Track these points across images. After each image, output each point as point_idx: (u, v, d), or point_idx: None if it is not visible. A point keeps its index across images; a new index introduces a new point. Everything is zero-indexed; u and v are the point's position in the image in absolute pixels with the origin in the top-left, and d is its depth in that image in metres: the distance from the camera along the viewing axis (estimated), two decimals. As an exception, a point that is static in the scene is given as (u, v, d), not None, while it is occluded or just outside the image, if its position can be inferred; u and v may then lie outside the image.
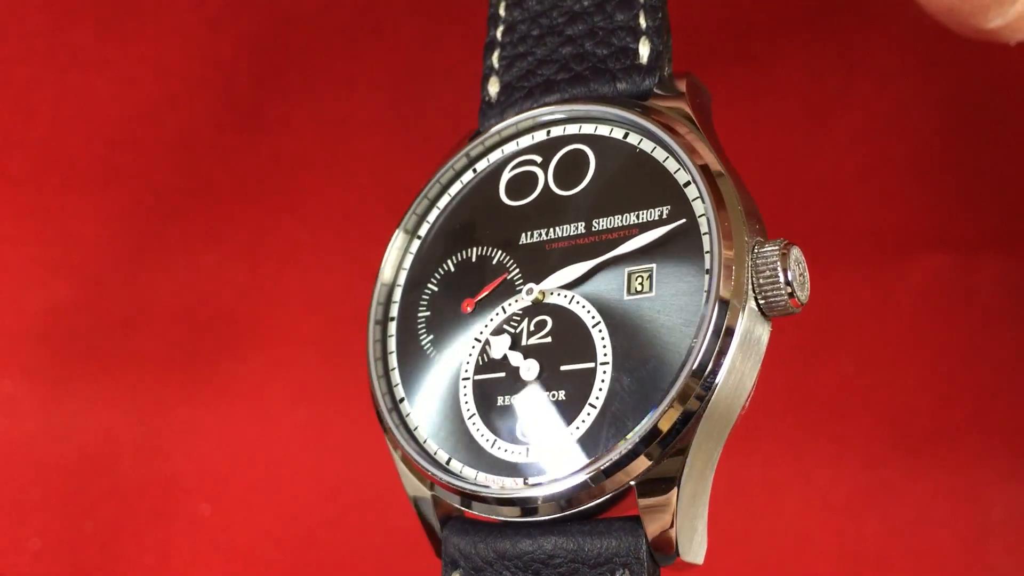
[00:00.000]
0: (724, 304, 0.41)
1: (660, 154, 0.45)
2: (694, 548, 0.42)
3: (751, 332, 0.42)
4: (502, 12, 0.52)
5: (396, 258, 0.51)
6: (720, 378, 0.41)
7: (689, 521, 0.41)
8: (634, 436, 0.41)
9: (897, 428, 0.77)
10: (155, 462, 0.74)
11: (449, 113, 0.77)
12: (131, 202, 0.74)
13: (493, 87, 0.51)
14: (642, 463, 0.41)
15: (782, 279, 0.42)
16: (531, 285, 0.46)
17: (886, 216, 0.78)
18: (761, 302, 0.42)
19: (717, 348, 0.41)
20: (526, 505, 0.43)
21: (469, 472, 0.45)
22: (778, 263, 0.42)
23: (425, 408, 0.47)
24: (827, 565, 0.75)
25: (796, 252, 0.42)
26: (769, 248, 0.42)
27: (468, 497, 0.44)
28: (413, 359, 0.48)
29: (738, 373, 0.41)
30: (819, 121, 0.78)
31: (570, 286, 0.45)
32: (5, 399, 0.72)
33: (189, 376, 0.74)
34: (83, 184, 0.73)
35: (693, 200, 0.43)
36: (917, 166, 0.78)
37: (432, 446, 0.46)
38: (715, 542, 0.77)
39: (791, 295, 0.42)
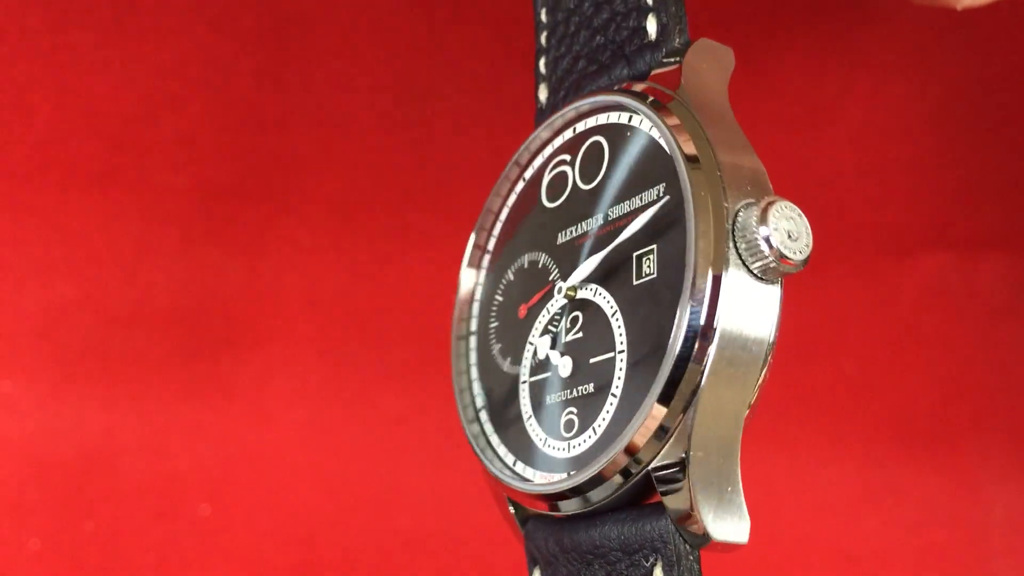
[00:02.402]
0: (703, 275, 0.40)
1: (656, 132, 0.45)
2: (727, 527, 0.41)
3: (746, 298, 0.41)
4: (544, 18, 0.53)
5: (471, 274, 0.52)
6: (712, 350, 0.40)
7: (714, 499, 0.41)
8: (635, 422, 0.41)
9: (897, 428, 0.77)
10: (155, 462, 0.74)
11: (449, 113, 0.77)
12: (131, 202, 0.74)
13: (543, 93, 0.52)
14: (651, 447, 0.41)
15: (763, 243, 0.40)
16: (560, 283, 0.46)
17: (886, 215, 0.78)
18: (752, 267, 0.41)
19: (703, 322, 0.40)
20: (564, 499, 0.44)
21: (530, 472, 0.46)
22: (756, 226, 0.40)
23: (498, 415, 0.49)
24: (827, 565, 0.75)
25: (779, 210, 0.40)
26: (748, 212, 0.41)
27: (532, 498, 0.45)
28: (489, 370, 0.50)
29: (738, 341, 0.40)
30: (819, 121, 0.78)
31: (592, 279, 0.45)
32: (5, 399, 0.72)
33: (189, 376, 0.74)
34: (83, 184, 0.73)
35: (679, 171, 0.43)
36: (917, 165, 0.78)
37: (502, 451, 0.48)
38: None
39: (781, 257, 0.40)
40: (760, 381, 0.41)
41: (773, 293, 0.41)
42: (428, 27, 0.76)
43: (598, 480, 0.42)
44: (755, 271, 0.41)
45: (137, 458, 0.73)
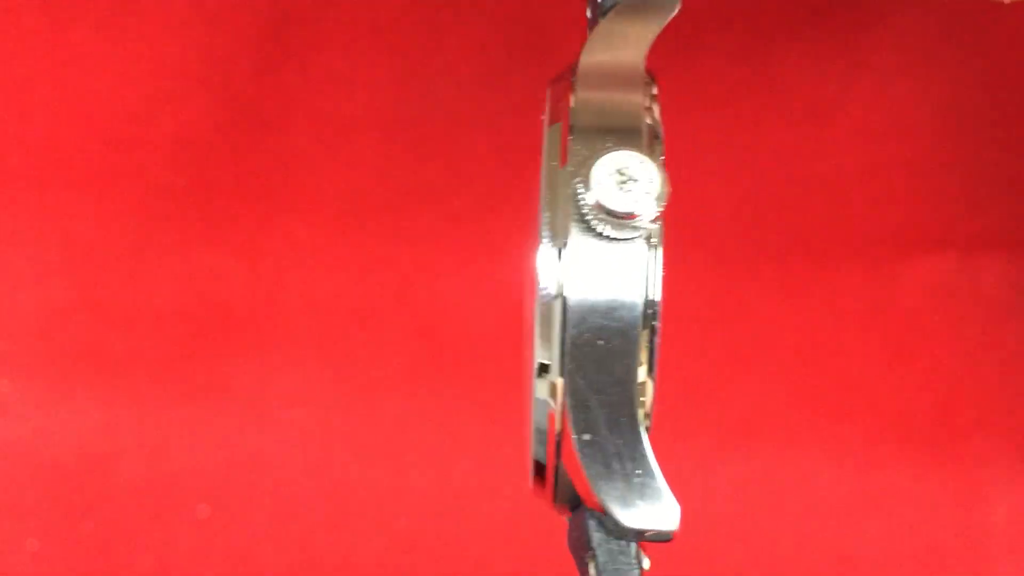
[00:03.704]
0: (547, 247, 0.37)
1: None
2: (642, 513, 0.37)
3: (599, 262, 0.36)
4: None
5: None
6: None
7: (617, 484, 0.37)
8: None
9: (897, 428, 0.77)
10: (155, 462, 0.74)
11: (449, 113, 0.77)
12: (130, 201, 0.74)
13: None
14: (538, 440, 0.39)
15: (591, 201, 0.36)
16: None
17: (887, 215, 0.78)
18: (599, 229, 0.36)
19: (555, 291, 0.37)
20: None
21: None
22: (582, 186, 0.36)
23: None
24: (827, 565, 0.75)
25: (605, 164, 0.36)
26: (578, 171, 0.37)
27: None
28: None
29: (599, 311, 0.37)
30: (820, 120, 0.78)
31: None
32: (3, 399, 0.72)
33: (189, 376, 0.74)
34: (82, 184, 0.73)
35: None
36: (919, 165, 0.78)
37: None
38: (715, 542, 0.77)
39: (625, 214, 0.36)
40: (651, 350, 0.37)
41: (638, 253, 0.36)
42: (428, 27, 0.76)
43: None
44: (606, 233, 0.36)
45: (136, 458, 0.73)
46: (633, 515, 0.37)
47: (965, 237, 0.78)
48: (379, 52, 0.75)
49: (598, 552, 0.38)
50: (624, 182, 0.36)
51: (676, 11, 0.43)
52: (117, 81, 0.73)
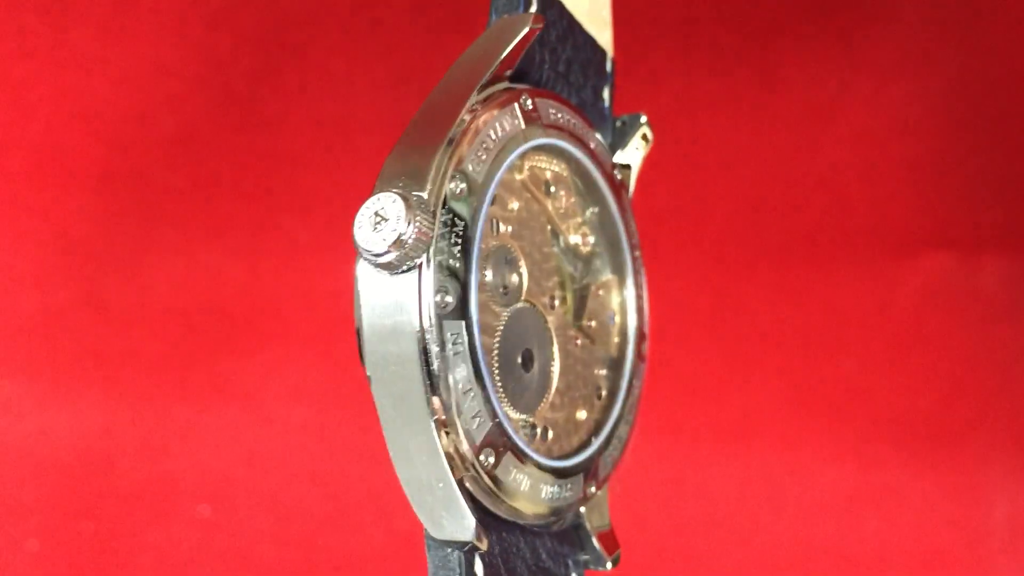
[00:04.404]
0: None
1: None
2: (445, 526, 0.39)
3: (376, 294, 0.39)
4: None
5: None
6: (364, 348, 0.39)
7: (426, 499, 0.39)
8: None
9: (898, 428, 0.77)
10: (155, 462, 0.74)
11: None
12: (130, 201, 0.74)
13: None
14: None
15: (356, 241, 0.38)
16: None
17: (887, 215, 0.78)
18: (370, 264, 0.38)
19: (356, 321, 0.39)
20: None
21: None
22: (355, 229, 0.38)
23: None
24: (827, 565, 0.75)
25: (367, 207, 0.38)
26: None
27: None
28: None
29: (382, 336, 0.39)
30: (820, 120, 0.78)
31: None
32: (4, 399, 0.72)
33: (188, 375, 0.74)
34: (82, 183, 0.73)
35: None
36: (918, 165, 0.78)
37: None
38: (715, 541, 0.77)
39: (372, 252, 0.38)
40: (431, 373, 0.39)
41: (407, 282, 0.38)
42: (428, 27, 0.76)
43: None
44: (378, 266, 0.39)
45: (136, 458, 0.73)
46: (438, 528, 0.39)
47: (963, 237, 0.78)
48: (379, 52, 0.76)
49: (428, 561, 0.40)
50: (378, 223, 0.38)
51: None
52: (117, 81, 0.73)
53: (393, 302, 0.38)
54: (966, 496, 0.76)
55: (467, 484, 0.40)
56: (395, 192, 0.38)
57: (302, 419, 0.76)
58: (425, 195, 0.38)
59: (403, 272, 0.38)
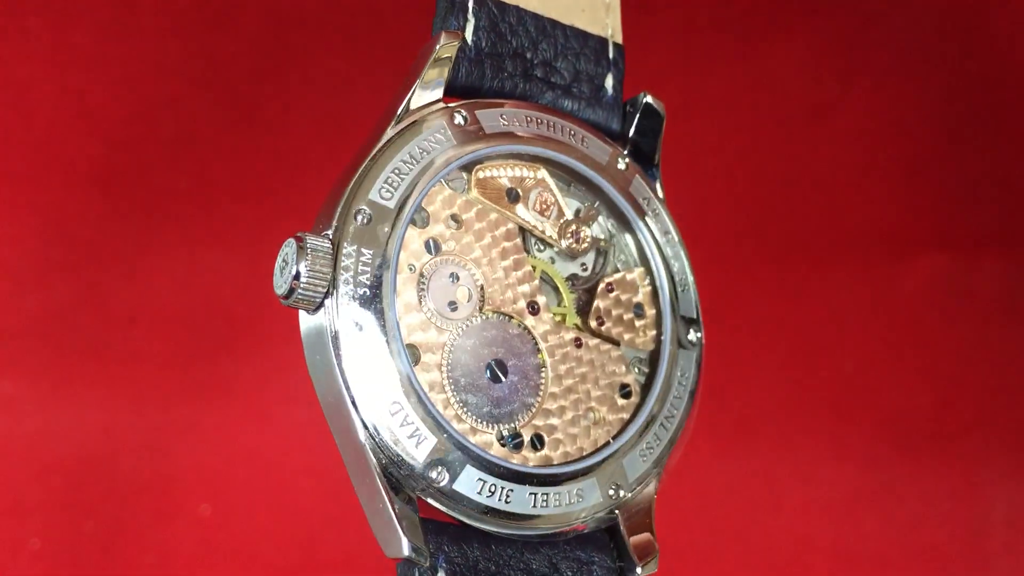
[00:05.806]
0: None
1: None
2: (390, 544, 0.41)
3: (309, 337, 0.43)
4: None
5: None
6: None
7: (377, 520, 0.42)
8: None
9: (897, 428, 0.77)
10: (155, 462, 0.74)
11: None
12: (131, 202, 0.74)
13: None
14: None
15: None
16: None
17: (886, 216, 0.78)
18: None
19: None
20: None
21: None
22: None
23: None
24: (827, 565, 0.75)
25: (283, 252, 0.42)
26: None
27: None
28: None
29: (320, 382, 0.42)
30: (818, 120, 0.78)
31: None
32: (5, 399, 0.72)
33: (189, 375, 0.74)
34: (83, 183, 0.73)
35: None
36: (917, 165, 0.78)
37: None
38: (715, 541, 0.77)
39: (279, 296, 0.41)
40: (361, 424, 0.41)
41: (320, 319, 0.42)
42: (428, 27, 0.76)
43: None
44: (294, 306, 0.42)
45: (137, 458, 0.73)
46: (386, 546, 0.41)
47: (962, 237, 0.78)
48: (380, 53, 0.76)
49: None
50: (283, 267, 0.41)
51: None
52: (117, 81, 0.73)
53: (317, 339, 0.41)
54: (965, 495, 0.76)
55: (430, 501, 0.41)
56: (294, 237, 0.41)
57: (302, 419, 0.76)
58: (331, 233, 0.41)
59: (316, 311, 0.41)
